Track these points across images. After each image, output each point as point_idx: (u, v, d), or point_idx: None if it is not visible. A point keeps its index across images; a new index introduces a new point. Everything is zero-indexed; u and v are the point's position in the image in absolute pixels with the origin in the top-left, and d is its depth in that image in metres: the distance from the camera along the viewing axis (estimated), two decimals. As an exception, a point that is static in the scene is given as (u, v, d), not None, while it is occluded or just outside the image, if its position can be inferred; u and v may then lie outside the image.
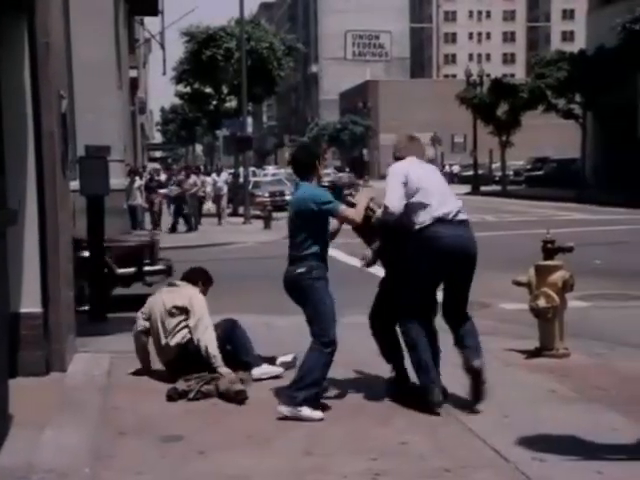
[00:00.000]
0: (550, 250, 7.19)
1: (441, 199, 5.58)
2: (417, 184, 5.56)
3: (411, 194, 5.54)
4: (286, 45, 33.56)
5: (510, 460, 4.55)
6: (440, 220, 5.48)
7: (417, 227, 5.53)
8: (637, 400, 5.70)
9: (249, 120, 36.41)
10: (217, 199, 26.78)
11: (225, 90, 34.08)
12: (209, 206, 27.42)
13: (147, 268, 10.40)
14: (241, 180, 28.93)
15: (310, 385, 5.42)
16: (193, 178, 24.77)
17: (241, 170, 29.45)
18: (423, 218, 5.50)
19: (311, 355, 5.47)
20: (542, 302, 6.99)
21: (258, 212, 26.03)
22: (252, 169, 40.92)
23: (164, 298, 6.61)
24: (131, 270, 10.13)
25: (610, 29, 28.74)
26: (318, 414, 5.38)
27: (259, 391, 6.11)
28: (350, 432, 5.13)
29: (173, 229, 23.13)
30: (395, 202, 5.54)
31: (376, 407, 5.69)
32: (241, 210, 27.49)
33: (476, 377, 5.50)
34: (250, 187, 29.54)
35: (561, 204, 30.12)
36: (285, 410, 5.39)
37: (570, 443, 4.78)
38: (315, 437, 5.05)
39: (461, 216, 5.59)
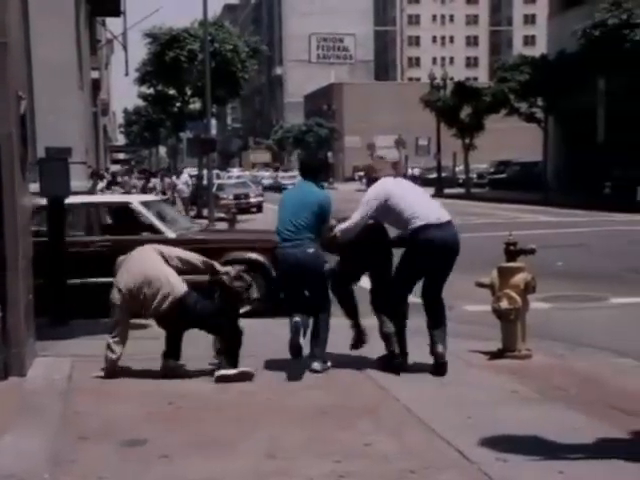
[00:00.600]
0: (512, 252, 7.24)
1: (426, 207, 6.56)
2: (401, 198, 6.51)
3: (398, 207, 6.48)
4: (250, 47, 33.45)
5: (474, 461, 4.56)
6: (430, 225, 6.41)
7: (410, 231, 6.45)
8: (597, 400, 5.77)
9: (213, 122, 36.14)
10: (182, 201, 26.57)
11: (189, 92, 33.89)
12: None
13: None
14: (205, 182, 28.79)
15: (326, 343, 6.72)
16: (153, 181, 24.57)
17: (205, 172, 29.32)
18: (413, 223, 6.42)
19: (325, 320, 6.66)
20: (505, 304, 7.03)
21: (222, 214, 25.94)
22: (216, 171, 40.66)
23: (126, 277, 6.51)
24: None
25: (571, 34, 29.09)
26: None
27: (223, 393, 6.08)
28: (314, 435, 5.12)
29: None
30: (356, 219, 6.59)
31: (340, 410, 5.67)
32: (205, 212, 27.36)
33: (438, 359, 6.52)
34: (214, 189, 29.43)
35: (524, 206, 30.43)
36: (319, 367, 6.56)
37: (532, 443, 4.81)
38: (278, 440, 5.02)
39: (445, 218, 6.54)
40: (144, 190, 23.95)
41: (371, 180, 6.89)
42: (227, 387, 6.23)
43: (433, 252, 6.38)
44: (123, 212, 10.33)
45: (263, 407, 5.76)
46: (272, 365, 6.81)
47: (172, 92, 35.00)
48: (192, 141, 34.62)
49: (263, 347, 6.32)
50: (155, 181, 24.74)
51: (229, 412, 5.63)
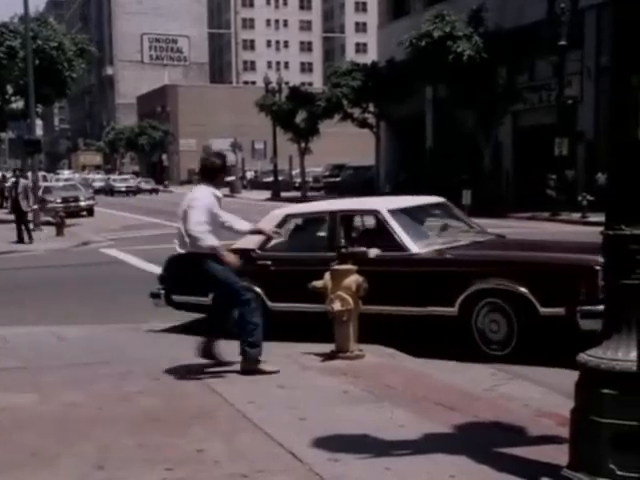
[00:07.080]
0: (344, 255, 7.38)
1: None
2: None
3: None
4: (77, 46, 32.13)
5: (305, 462, 4.60)
6: None
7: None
8: (421, 397, 5.97)
9: (38, 122, 34.54)
10: None
11: (10, 90, 32.18)
12: None
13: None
14: (30, 185, 27.50)
15: None
16: None
17: (29, 174, 28.04)
18: None
19: None
20: (337, 305, 7.14)
21: (50, 219, 24.98)
22: (43, 173, 38.91)
23: None
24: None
25: (397, 44, 30.09)
26: None
27: (46, 405, 5.82)
28: (143, 443, 4.99)
29: None
30: None
31: (173, 416, 5.58)
32: (31, 216, 26.14)
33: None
34: (41, 192, 28.28)
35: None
36: None
37: (362, 442, 4.91)
38: (106, 450, 4.86)
39: None
40: None
41: None
42: (52, 399, 5.96)
43: None
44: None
45: (91, 417, 5.56)
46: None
47: (-10, 90, 32.98)
48: (14, 142, 32.97)
49: (88, 356, 6.06)
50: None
51: (53, 425, 5.39)
